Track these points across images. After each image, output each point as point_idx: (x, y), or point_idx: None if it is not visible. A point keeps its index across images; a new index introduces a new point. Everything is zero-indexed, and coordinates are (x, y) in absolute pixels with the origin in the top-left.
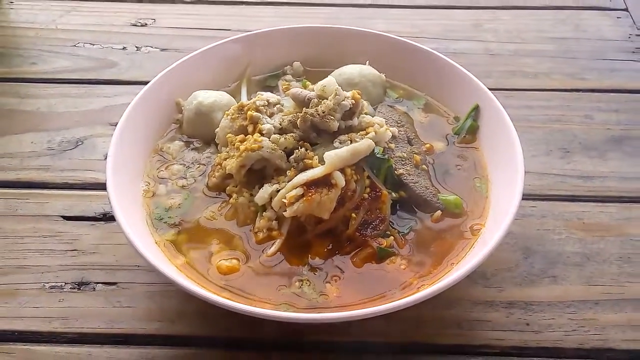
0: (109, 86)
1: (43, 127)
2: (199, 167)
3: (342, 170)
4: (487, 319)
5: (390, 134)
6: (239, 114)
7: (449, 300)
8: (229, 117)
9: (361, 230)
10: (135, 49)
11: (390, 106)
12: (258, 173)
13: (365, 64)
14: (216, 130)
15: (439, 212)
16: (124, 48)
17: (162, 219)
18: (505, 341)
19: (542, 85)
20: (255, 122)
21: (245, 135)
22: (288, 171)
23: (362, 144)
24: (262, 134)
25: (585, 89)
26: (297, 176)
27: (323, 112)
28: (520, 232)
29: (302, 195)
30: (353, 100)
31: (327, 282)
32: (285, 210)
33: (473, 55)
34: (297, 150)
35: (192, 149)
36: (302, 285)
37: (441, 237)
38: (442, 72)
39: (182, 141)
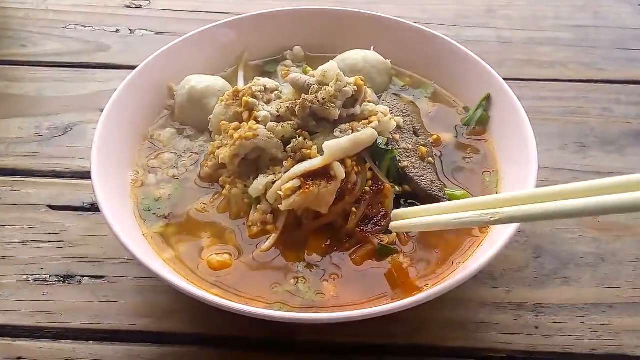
0: (101, 70)
1: (31, 112)
2: (191, 156)
3: (342, 162)
4: (494, 322)
5: (395, 124)
6: (233, 100)
7: (454, 300)
8: (223, 103)
9: (362, 226)
10: (129, 31)
11: (396, 95)
12: (253, 163)
13: (370, 50)
14: (209, 118)
15: None
16: (117, 31)
17: (150, 210)
18: (513, 345)
19: (558, 75)
20: (250, 109)
21: (240, 123)
22: (285, 161)
23: (365, 133)
24: (257, 122)
25: (603, 80)
26: (294, 167)
27: (323, 99)
28: (531, 230)
29: (299, 188)
30: (355, 87)
31: (324, 280)
32: (281, 203)
33: (485, 43)
34: (294, 140)
35: (184, 137)
36: (297, 283)
37: (446, 235)
38: (452, 59)
39: (174, 128)
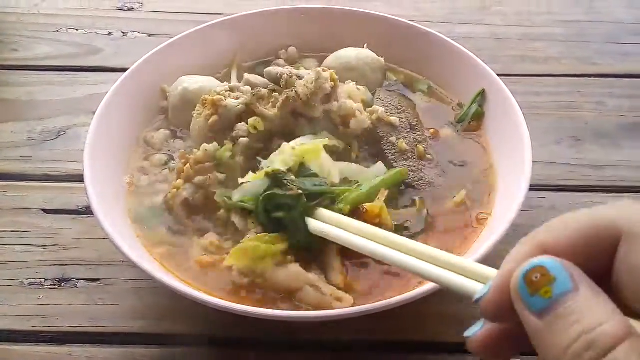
0: (93, 73)
1: (23, 116)
2: None
3: None
4: None
5: (369, 122)
6: (203, 107)
7: (451, 296)
8: (195, 114)
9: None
10: (122, 34)
11: (389, 90)
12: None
13: (363, 47)
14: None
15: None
16: (110, 33)
17: (144, 211)
18: None
19: (552, 70)
20: (217, 105)
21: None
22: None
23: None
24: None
25: (597, 74)
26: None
27: (307, 97)
28: (528, 224)
29: None
30: (332, 83)
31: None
32: None
33: (479, 39)
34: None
35: (177, 139)
36: None
37: (442, 229)
38: (446, 55)
39: (168, 130)
